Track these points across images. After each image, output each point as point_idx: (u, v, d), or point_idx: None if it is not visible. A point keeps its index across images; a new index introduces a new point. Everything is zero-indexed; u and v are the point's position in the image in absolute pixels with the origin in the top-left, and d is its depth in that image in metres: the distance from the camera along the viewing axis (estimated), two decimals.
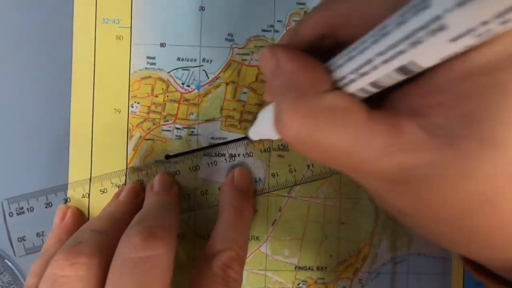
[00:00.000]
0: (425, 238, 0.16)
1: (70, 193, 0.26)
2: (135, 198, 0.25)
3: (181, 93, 0.27)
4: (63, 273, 0.18)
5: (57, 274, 0.18)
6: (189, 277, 0.22)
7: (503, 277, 0.16)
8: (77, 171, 0.26)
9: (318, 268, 0.27)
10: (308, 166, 0.27)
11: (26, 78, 0.27)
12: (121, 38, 0.26)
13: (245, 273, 0.27)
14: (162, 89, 0.27)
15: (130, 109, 0.27)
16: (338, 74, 0.15)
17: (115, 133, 0.26)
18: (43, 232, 0.26)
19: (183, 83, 0.27)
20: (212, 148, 0.27)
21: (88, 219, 0.26)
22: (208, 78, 0.27)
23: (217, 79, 0.27)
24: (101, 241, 0.20)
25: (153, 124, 0.27)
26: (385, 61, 0.13)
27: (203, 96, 0.27)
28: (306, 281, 0.27)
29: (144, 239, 0.18)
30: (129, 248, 0.18)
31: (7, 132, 0.27)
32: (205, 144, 0.27)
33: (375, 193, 0.16)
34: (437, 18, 0.11)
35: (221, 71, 0.27)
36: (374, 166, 0.14)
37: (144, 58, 0.27)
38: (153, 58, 0.27)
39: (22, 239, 0.26)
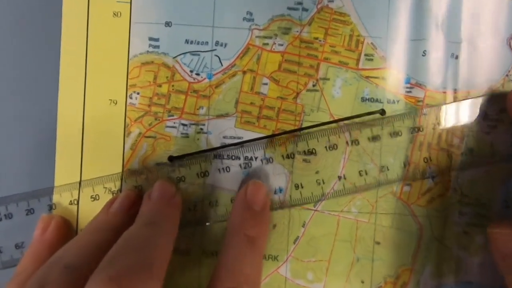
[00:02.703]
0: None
1: (55, 198, 0.25)
2: (129, 210, 0.23)
3: (189, 83, 0.25)
4: None
5: None
6: None
7: None
8: (64, 173, 0.25)
9: None
10: (340, 177, 0.25)
11: (5, 61, 0.25)
12: (118, 15, 0.25)
13: None
14: (167, 77, 0.25)
15: (128, 100, 0.25)
16: None
17: (110, 129, 0.25)
18: (23, 243, 0.25)
19: (191, 71, 0.25)
20: (225, 149, 0.25)
21: (76, 231, 0.25)
22: (222, 65, 0.25)
23: (232, 66, 0.25)
24: (72, 281, 0.17)
25: (155, 119, 0.25)
26: None
27: (215, 87, 0.25)
28: None
29: None
30: None
31: None
32: (216, 145, 0.25)
33: None
34: None
35: (237, 57, 0.25)
36: None
37: (145, 40, 0.25)
38: (157, 40, 0.25)
39: None
